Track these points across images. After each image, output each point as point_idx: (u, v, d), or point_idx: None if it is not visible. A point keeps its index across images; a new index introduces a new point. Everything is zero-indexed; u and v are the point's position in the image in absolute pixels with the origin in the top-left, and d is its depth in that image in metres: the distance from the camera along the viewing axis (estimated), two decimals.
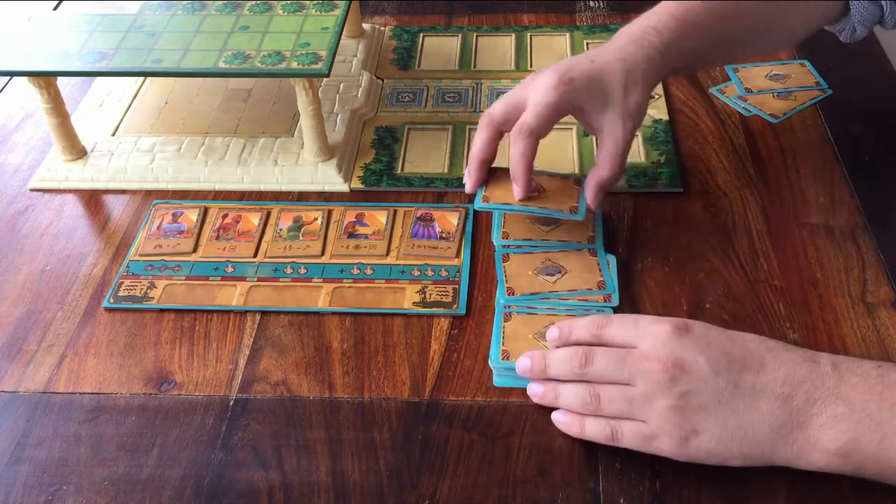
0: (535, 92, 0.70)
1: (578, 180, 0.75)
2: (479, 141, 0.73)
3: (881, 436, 0.53)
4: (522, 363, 0.63)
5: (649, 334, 0.59)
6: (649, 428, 0.57)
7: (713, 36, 0.76)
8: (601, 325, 0.61)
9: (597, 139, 0.73)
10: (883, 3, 0.76)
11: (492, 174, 0.75)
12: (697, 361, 0.56)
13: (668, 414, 0.56)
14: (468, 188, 0.74)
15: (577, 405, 0.60)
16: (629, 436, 0.58)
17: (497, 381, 0.65)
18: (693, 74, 0.93)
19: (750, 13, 0.76)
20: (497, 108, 0.72)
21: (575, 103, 0.71)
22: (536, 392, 0.63)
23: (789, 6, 0.78)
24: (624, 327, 0.60)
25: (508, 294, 0.69)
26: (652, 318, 0.60)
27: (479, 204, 0.73)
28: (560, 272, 0.70)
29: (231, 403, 0.65)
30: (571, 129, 0.87)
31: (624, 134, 0.71)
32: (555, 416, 0.61)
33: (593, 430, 0.59)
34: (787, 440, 0.55)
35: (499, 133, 0.73)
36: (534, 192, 0.73)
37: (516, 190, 0.71)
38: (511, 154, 0.71)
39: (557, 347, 0.63)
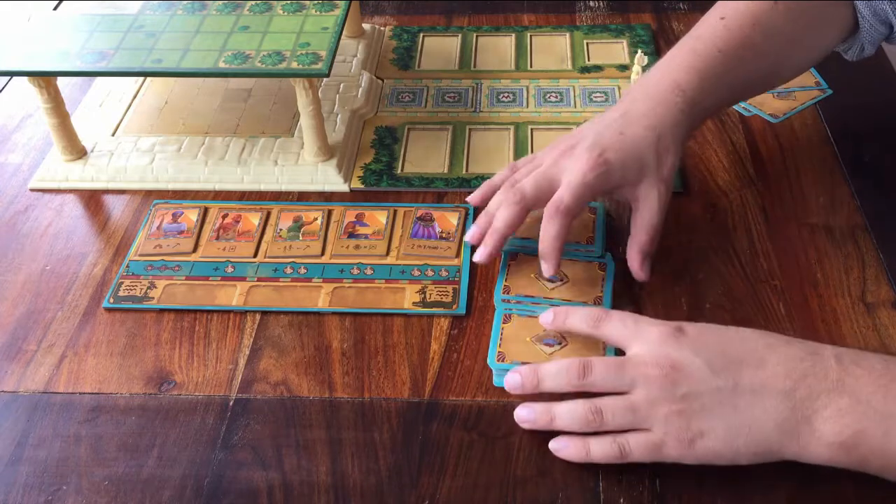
0: (569, 172, 0.68)
1: (603, 265, 0.73)
2: (506, 216, 0.69)
3: (886, 428, 0.53)
4: (512, 381, 0.61)
5: (645, 336, 0.59)
6: (655, 436, 0.56)
7: (734, 82, 0.75)
8: (599, 318, 0.61)
9: (631, 203, 0.71)
10: (893, 19, 0.76)
11: (512, 259, 0.73)
12: (694, 363, 0.56)
13: (673, 418, 0.56)
14: (481, 258, 0.70)
15: (579, 424, 0.58)
16: (637, 449, 0.57)
17: (497, 381, 0.65)
18: None
19: (766, 53, 0.75)
20: (528, 186, 0.69)
21: (610, 183, 0.69)
22: (526, 418, 0.60)
23: (804, 39, 0.78)
24: (622, 324, 0.60)
25: (498, 360, 0.65)
26: (650, 320, 0.60)
27: (499, 296, 0.70)
28: (560, 343, 0.66)
29: (231, 403, 0.65)
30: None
31: (660, 202, 0.70)
32: (554, 445, 0.59)
33: (600, 451, 0.57)
34: (792, 434, 0.55)
35: (527, 210, 0.70)
36: (557, 280, 0.71)
37: (545, 267, 0.68)
38: (543, 233, 0.68)
39: (549, 332, 0.64)
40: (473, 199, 0.77)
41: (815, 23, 0.78)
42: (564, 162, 0.70)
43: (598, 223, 0.76)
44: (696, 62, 0.73)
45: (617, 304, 0.70)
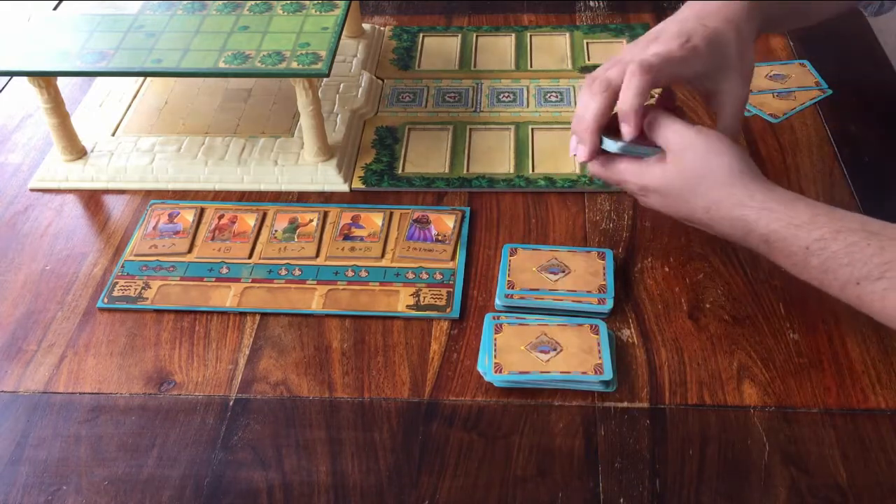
0: (658, 45, 0.68)
1: (603, 254, 0.73)
2: (594, 108, 0.67)
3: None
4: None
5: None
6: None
7: None
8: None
9: (712, 101, 0.72)
10: None
11: (512, 255, 0.73)
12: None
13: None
14: (584, 156, 0.68)
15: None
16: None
17: (498, 383, 0.65)
18: None
19: None
20: (614, 73, 0.67)
21: (695, 69, 0.69)
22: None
23: None
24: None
25: (495, 371, 0.65)
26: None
27: (503, 291, 0.70)
28: (555, 350, 0.66)
29: (231, 403, 0.65)
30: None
31: (744, 95, 0.71)
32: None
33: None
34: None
35: (615, 99, 0.67)
36: (559, 272, 0.72)
37: (625, 129, 0.66)
38: (624, 90, 0.66)
39: (542, 339, 0.67)
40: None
41: None
42: (650, 48, 0.68)
43: (608, 269, 0.73)
44: None
45: (617, 300, 0.70)
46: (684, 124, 0.66)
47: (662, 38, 0.69)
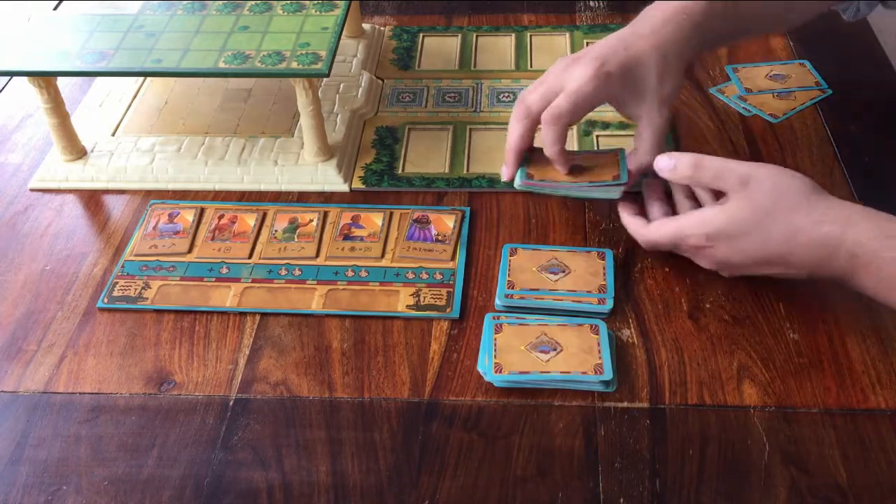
0: (571, 80, 0.70)
1: (617, 152, 0.75)
2: (515, 133, 0.73)
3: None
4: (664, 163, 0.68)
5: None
6: None
7: (742, 13, 0.75)
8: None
9: (636, 124, 0.74)
10: None
11: (532, 153, 0.75)
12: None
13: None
14: (505, 177, 0.75)
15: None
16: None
17: (498, 384, 0.65)
18: (692, 72, 0.93)
19: None
20: (533, 99, 0.72)
21: (610, 95, 0.71)
22: (665, 165, 0.68)
23: None
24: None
25: (495, 371, 0.65)
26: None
27: (521, 183, 0.73)
28: (555, 350, 0.66)
29: (231, 403, 0.65)
30: (572, 127, 0.87)
31: (661, 122, 0.72)
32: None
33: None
34: None
35: (535, 123, 0.73)
36: (575, 169, 0.74)
37: (561, 169, 0.73)
38: (543, 140, 0.72)
39: (542, 339, 0.67)
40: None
41: None
42: (567, 73, 0.71)
43: (622, 165, 0.75)
44: None
45: (617, 300, 0.70)
46: (730, 161, 0.65)
47: (582, 61, 0.71)
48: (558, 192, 0.74)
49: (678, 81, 0.72)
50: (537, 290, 0.70)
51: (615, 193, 0.73)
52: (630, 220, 0.71)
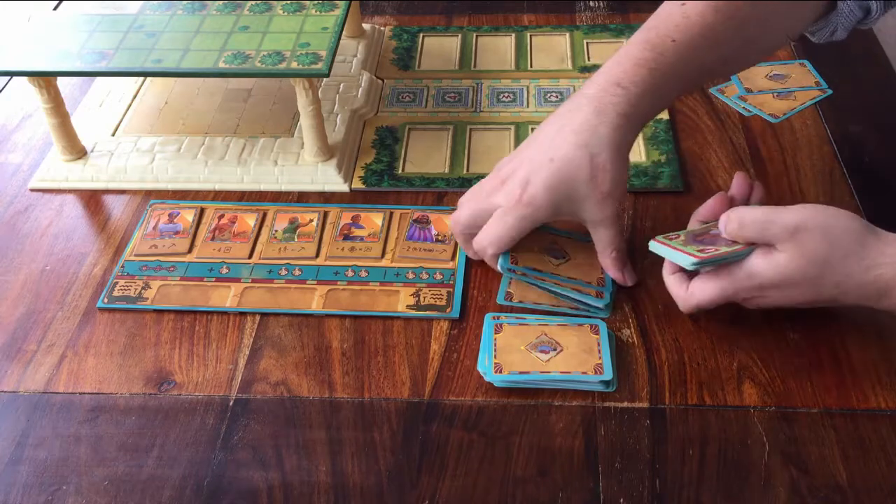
0: (495, 217, 0.68)
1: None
2: (470, 251, 0.73)
3: None
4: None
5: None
6: None
7: (689, 72, 0.71)
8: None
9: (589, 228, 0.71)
10: (872, 3, 0.72)
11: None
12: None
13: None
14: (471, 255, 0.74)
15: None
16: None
17: (498, 383, 0.65)
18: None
19: (728, 40, 0.71)
20: (464, 217, 0.71)
21: (541, 220, 0.68)
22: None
23: (771, 22, 0.73)
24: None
25: (495, 371, 0.65)
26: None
27: (505, 268, 0.70)
28: (555, 349, 0.66)
29: (231, 403, 0.65)
30: None
31: (606, 219, 0.68)
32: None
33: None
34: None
35: (469, 237, 0.71)
36: (556, 255, 0.72)
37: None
38: (488, 262, 0.72)
39: (542, 339, 0.66)
40: None
41: (784, 8, 0.73)
42: (496, 197, 0.69)
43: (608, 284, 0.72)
44: (646, 56, 0.69)
45: (616, 299, 0.70)
46: (773, 210, 0.62)
47: (505, 189, 0.68)
48: (543, 285, 0.70)
49: (619, 171, 0.67)
50: (540, 271, 0.70)
51: (601, 309, 0.69)
52: (671, 282, 0.68)
